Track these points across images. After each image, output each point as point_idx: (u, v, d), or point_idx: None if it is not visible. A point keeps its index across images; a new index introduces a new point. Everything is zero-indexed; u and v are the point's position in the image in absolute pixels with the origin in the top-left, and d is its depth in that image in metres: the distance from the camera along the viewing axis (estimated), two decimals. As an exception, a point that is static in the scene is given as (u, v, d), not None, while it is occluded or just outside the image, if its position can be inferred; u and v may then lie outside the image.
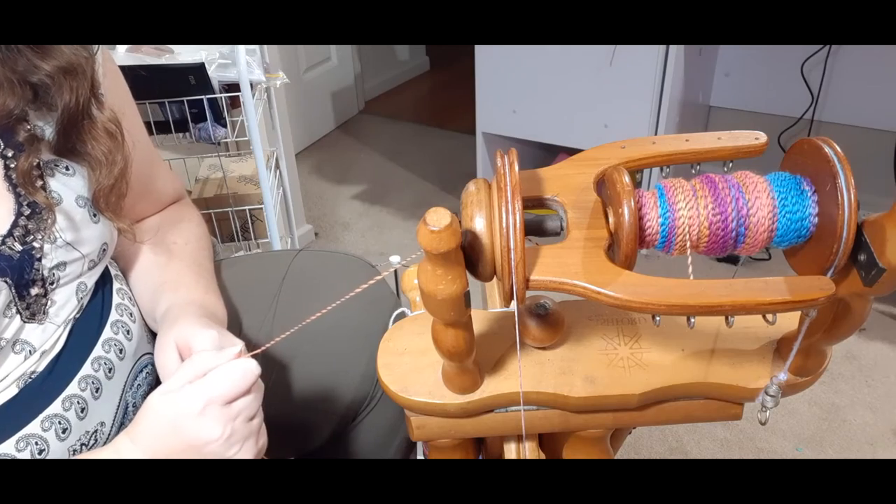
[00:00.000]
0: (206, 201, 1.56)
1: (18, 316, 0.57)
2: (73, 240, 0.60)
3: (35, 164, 0.58)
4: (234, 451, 0.56)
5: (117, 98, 0.67)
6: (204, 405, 0.54)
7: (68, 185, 0.61)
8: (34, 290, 0.58)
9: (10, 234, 0.57)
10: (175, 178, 0.83)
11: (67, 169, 0.61)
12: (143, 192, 0.76)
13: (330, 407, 0.82)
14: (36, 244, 0.58)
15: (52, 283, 0.59)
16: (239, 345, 0.59)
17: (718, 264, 1.93)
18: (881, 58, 1.89)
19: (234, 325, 0.80)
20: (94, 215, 0.63)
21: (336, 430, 0.87)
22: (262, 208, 1.56)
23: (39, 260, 0.58)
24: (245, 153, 1.67)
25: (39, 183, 0.58)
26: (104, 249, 0.64)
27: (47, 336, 0.60)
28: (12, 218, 0.57)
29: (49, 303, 0.60)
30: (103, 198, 0.62)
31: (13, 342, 0.57)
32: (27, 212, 0.57)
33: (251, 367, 0.56)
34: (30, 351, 0.58)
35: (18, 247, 0.57)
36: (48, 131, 0.59)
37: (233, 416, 0.55)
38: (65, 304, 0.61)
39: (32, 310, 0.58)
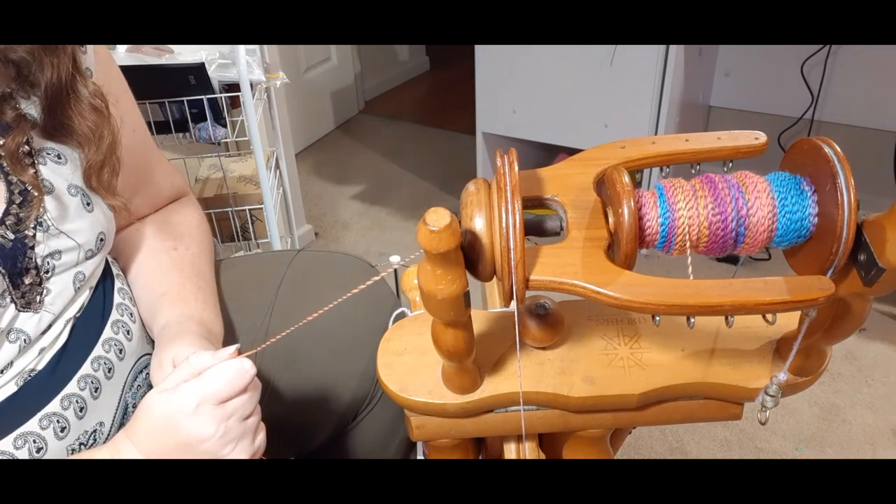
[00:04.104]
0: (206, 201, 1.56)
1: (13, 305, 0.57)
2: (67, 229, 0.60)
3: (24, 144, 0.58)
4: (229, 450, 0.56)
5: (111, 82, 0.67)
6: (197, 404, 0.54)
7: (60, 174, 0.61)
8: (28, 279, 0.58)
9: (2, 222, 0.57)
10: (176, 173, 0.83)
11: (59, 157, 0.61)
12: (141, 184, 0.75)
13: (329, 407, 0.82)
14: (28, 232, 0.58)
15: (46, 272, 0.59)
16: (234, 346, 0.59)
17: (718, 264, 1.93)
18: (881, 58, 1.89)
19: (234, 326, 0.80)
20: (88, 204, 0.63)
21: (336, 429, 0.87)
22: (262, 208, 1.56)
23: (32, 248, 0.58)
24: (245, 153, 1.67)
25: (31, 170, 0.58)
26: (101, 239, 0.64)
27: (43, 326, 0.60)
28: (4, 206, 0.57)
29: (45, 291, 0.60)
30: (95, 175, 0.62)
31: (7, 331, 0.57)
32: (18, 200, 0.57)
33: (246, 367, 0.56)
34: (24, 340, 0.58)
35: (11, 235, 0.57)
36: (35, 113, 0.59)
37: (227, 415, 0.55)
38: (60, 292, 0.61)
39: (27, 298, 0.58)
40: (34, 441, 0.58)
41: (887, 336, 1.68)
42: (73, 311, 0.63)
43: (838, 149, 0.47)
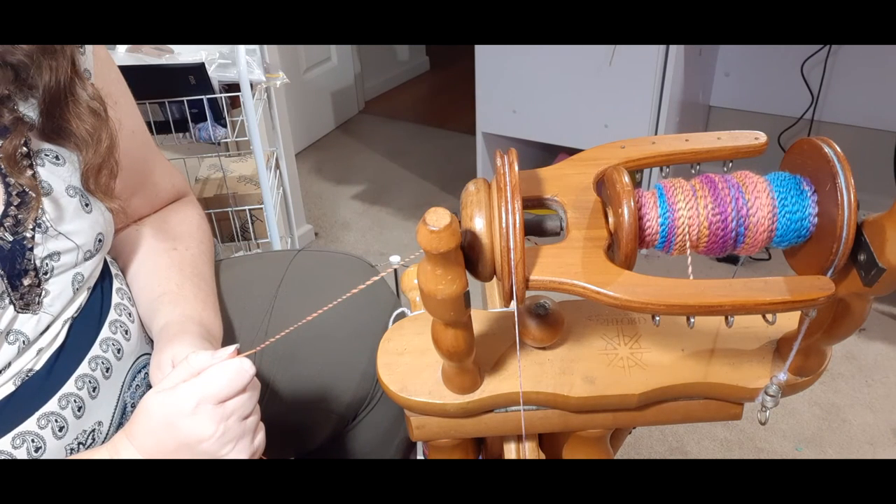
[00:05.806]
0: (206, 201, 1.56)
1: (12, 306, 0.57)
2: (66, 230, 0.60)
3: (22, 146, 0.58)
4: (228, 450, 0.56)
5: (109, 83, 0.67)
6: (197, 403, 0.54)
7: (58, 175, 0.61)
8: (26, 281, 0.58)
9: (0, 224, 0.57)
10: (176, 173, 0.83)
11: (57, 158, 0.61)
12: (140, 185, 0.75)
13: (330, 407, 0.82)
14: (27, 234, 0.58)
15: (45, 273, 0.59)
16: (233, 346, 0.59)
17: (718, 264, 1.93)
18: (881, 58, 1.89)
19: (234, 326, 0.80)
20: (87, 205, 0.63)
21: (336, 429, 0.87)
22: (262, 208, 1.56)
23: (31, 250, 0.58)
24: (245, 153, 1.67)
25: (29, 172, 0.58)
26: (100, 240, 0.64)
27: (42, 327, 0.60)
28: (2, 208, 0.57)
29: (43, 293, 0.60)
30: (93, 177, 0.62)
31: (6, 332, 0.57)
32: (17, 202, 0.57)
33: (245, 367, 0.56)
34: (23, 341, 0.58)
35: (9, 237, 0.57)
36: (34, 115, 0.59)
37: (226, 414, 0.55)
38: (59, 294, 0.61)
39: (26, 300, 0.58)
40: (32, 440, 0.58)
41: (887, 336, 1.68)
42: (72, 311, 0.63)
43: (838, 149, 0.47)
